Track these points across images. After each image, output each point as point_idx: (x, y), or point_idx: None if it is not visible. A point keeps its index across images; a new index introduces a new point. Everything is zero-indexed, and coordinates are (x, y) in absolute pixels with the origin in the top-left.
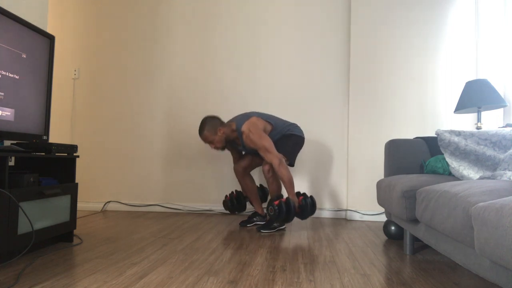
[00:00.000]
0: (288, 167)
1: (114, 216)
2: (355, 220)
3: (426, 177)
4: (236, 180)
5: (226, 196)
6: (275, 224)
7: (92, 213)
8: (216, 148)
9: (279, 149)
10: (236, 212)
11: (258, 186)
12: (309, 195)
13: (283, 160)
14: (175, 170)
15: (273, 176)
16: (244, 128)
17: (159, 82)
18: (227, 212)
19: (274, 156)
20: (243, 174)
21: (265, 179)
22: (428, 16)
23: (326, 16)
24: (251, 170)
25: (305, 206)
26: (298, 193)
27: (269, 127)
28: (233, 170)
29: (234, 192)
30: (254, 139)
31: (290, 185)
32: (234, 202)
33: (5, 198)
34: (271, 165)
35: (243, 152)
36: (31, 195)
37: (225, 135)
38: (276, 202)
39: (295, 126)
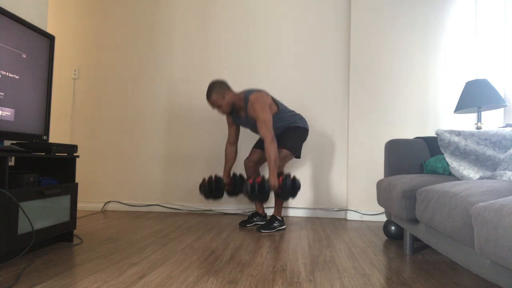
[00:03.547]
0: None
1: (114, 216)
2: (355, 220)
3: (426, 177)
4: None
5: (204, 179)
6: (275, 224)
7: (92, 213)
8: (224, 112)
9: (285, 143)
10: (212, 199)
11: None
12: (292, 176)
13: (275, 139)
14: (175, 170)
15: (254, 167)
16: (252, 96)
17: (159, 82)
18: (226, 213)
19: (269, 131)
20: (253, 169)
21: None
22: (428, 16)
23: (326, 16)
24: (260, 165)
25: (284, 187)
26: (280, 173)
27: (274, 108)
28: (232, 170)
29: (213, 177)
30: (257, 109)
31: (274, 164)
32: (212, 187)
33: (5, 198)
34: (254, 162)
35: (238, 130)
36: (31, 195)
37: (232, 101)
38: (250, 181)
39: (300, 117)
